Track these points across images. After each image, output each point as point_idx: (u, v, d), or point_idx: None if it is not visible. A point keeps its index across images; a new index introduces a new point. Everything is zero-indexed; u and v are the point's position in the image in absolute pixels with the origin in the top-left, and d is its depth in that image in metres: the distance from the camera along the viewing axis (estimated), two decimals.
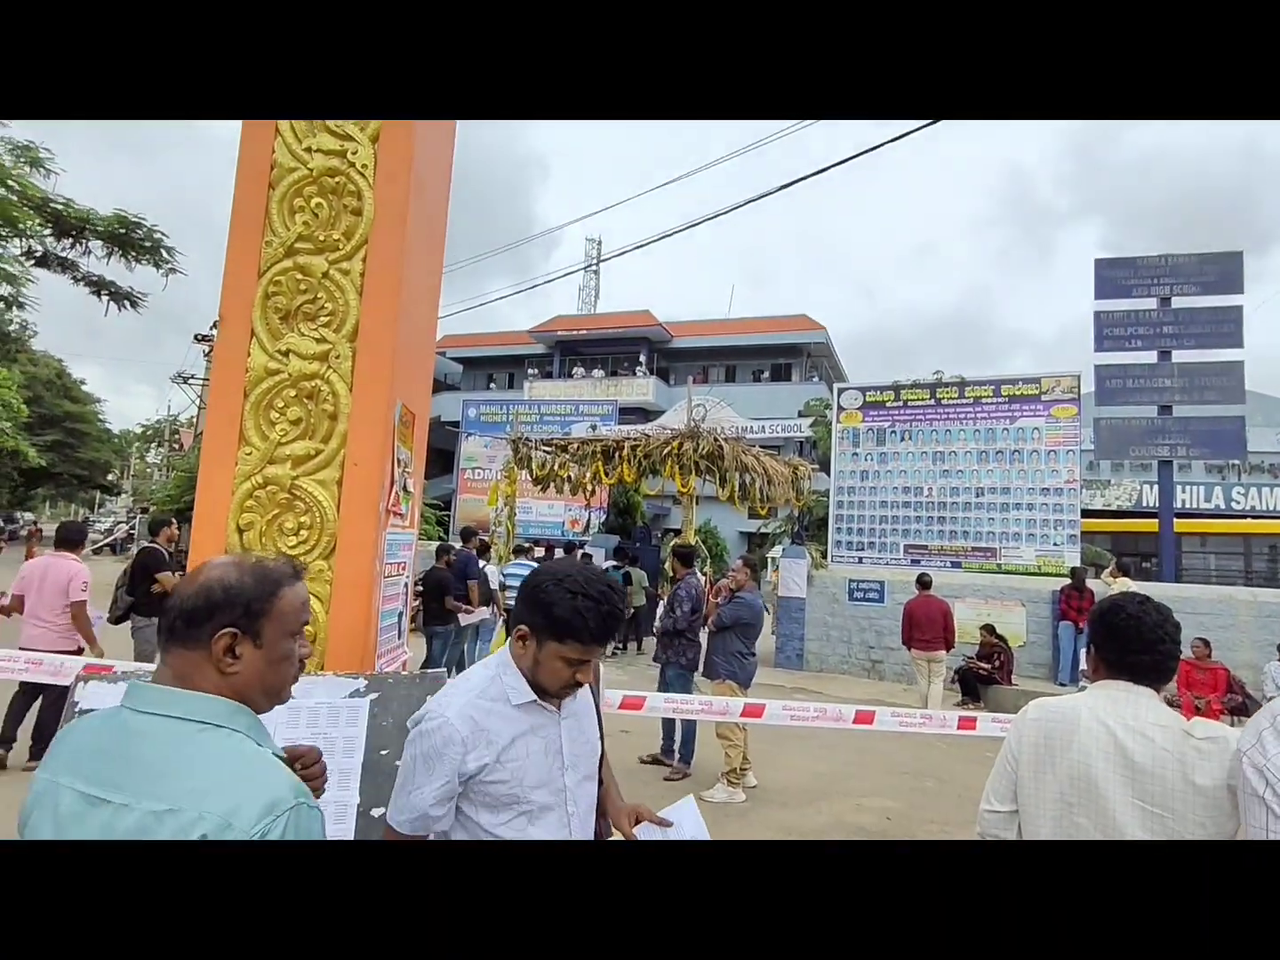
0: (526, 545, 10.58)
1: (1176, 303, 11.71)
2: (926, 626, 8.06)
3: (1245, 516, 18.12)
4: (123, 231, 11.51)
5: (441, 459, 24.95)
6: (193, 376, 25.54)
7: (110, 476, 45.97)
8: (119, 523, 38.60)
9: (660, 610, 6.78)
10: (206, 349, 24.19)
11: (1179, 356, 11.68)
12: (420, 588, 8.62)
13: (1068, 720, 1.53)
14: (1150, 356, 11.83)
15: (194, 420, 27.64)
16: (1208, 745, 1.40)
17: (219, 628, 1.03)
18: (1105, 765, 1.45)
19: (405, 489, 2.75)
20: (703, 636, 5.81)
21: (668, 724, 5.90)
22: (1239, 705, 7.55)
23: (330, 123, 2.57)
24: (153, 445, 48.66)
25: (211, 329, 23.61)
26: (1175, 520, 12.07)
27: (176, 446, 35.90)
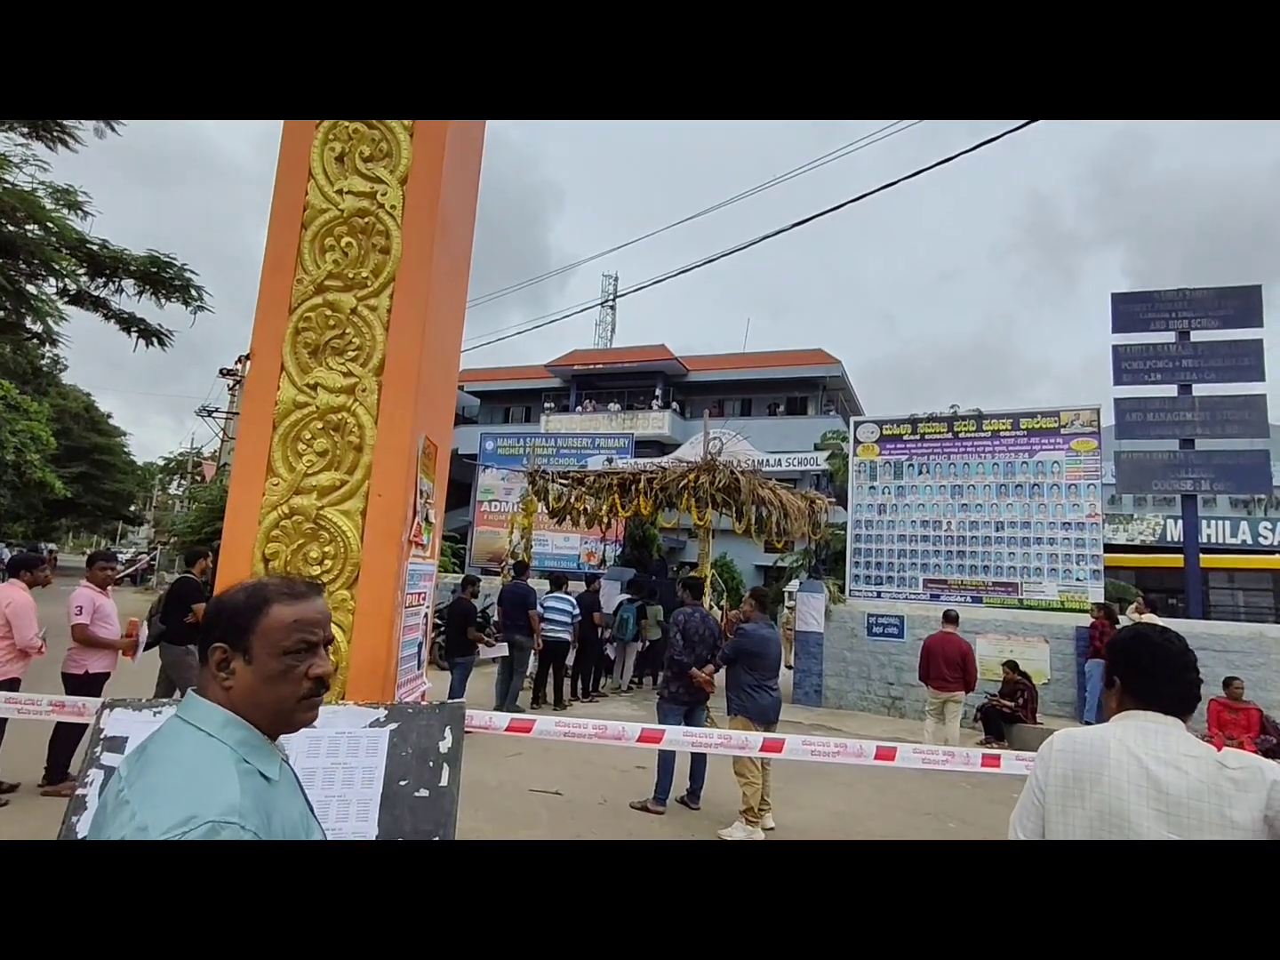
0: (563, 578, 10.59)
1: (1196, 336, 11.66)
2: (945, 665, 7.80)
3: (1274, 552, 17.77)
4: (154, 271, 11.86)
5: (458, 491, 25.11)
6: (216, 410, 26.00)
7: (133, 508, 46.60)
8: (140, 553, 39.02)
9: None
10: (231, 383, 24.66)
11: (1199, 390, 11.59)
12: (440, 620, 8.74)
13: (1096, 752, 1.50)
14: (1171, 390, 11.75)
15: (216, 453, 28.05)
16: (1243, 775, 1.37)
17: (212, 642, 1.10)
18: (1137, 798, 1.42)
19: (427, 520, 2.79)
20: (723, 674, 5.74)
21: (678, 761, 5.79)
22: (1272, 747, 7.33)
23: (361, 165, 2.66)
24: (175, 477, 49.37)
25: (236, 363, 24.09)
26: (1201, 555, 11.87)
27: (199, 478, 36.38)
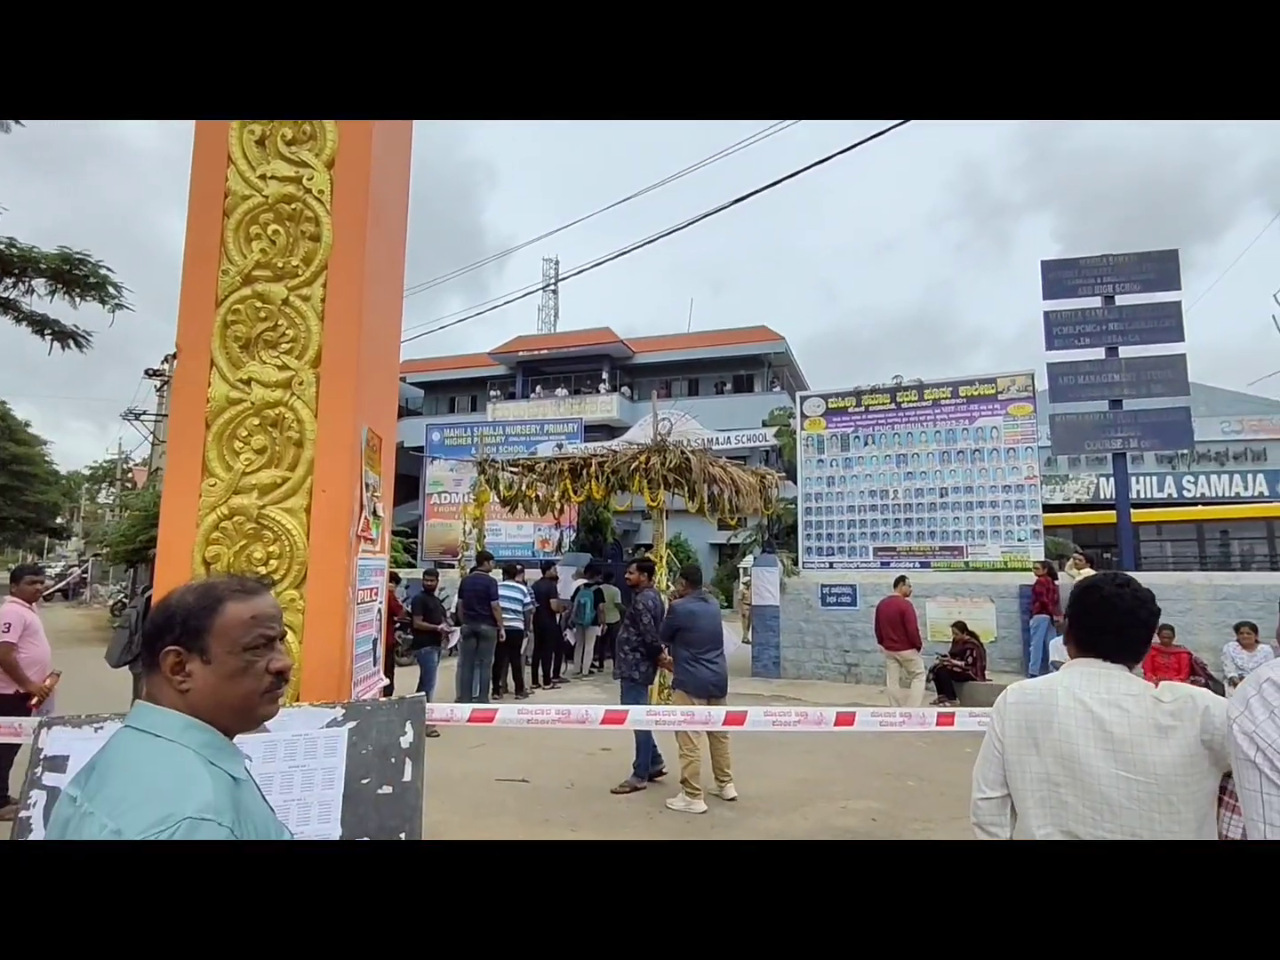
0: (518, 566, 10.51)
1: (1120, 300, 12.11)
2: (888, 626, 8.36)
3: (1196, 504, 18.71)
4: (67, 269, 11.24)
5: (406, 485, 24.66)
6: (144, 412, 24.92)
7: (59, 520, 44.46)
8: (71, 567, 37.35)
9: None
10: (158, 384, 23.64)
11: (1125, 352, 12.07)
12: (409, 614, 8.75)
13: (1046, 700, 1.57)
14: (1099, 353, 12.21)
15: (147, 458, 26.94)
16: (1176, 706, 1.45)
17: (164, 646, 1.07)
18: (1085, 740, 1.49)
19: (375, 513, 2.72)
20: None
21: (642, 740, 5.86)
22: (1202, 685, 7.75)
23: (284, 149, 2.56)
24: (103, 485, 47.27)
25: (163, 363, 23.09)
26: (1132, 510, 12.42)
27: (129, 485, 34.89)
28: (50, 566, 42.09)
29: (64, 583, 31.36)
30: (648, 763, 5.74)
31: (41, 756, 2.15)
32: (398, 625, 8.86)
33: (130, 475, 36.65)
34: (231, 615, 1.10)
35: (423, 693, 2.53)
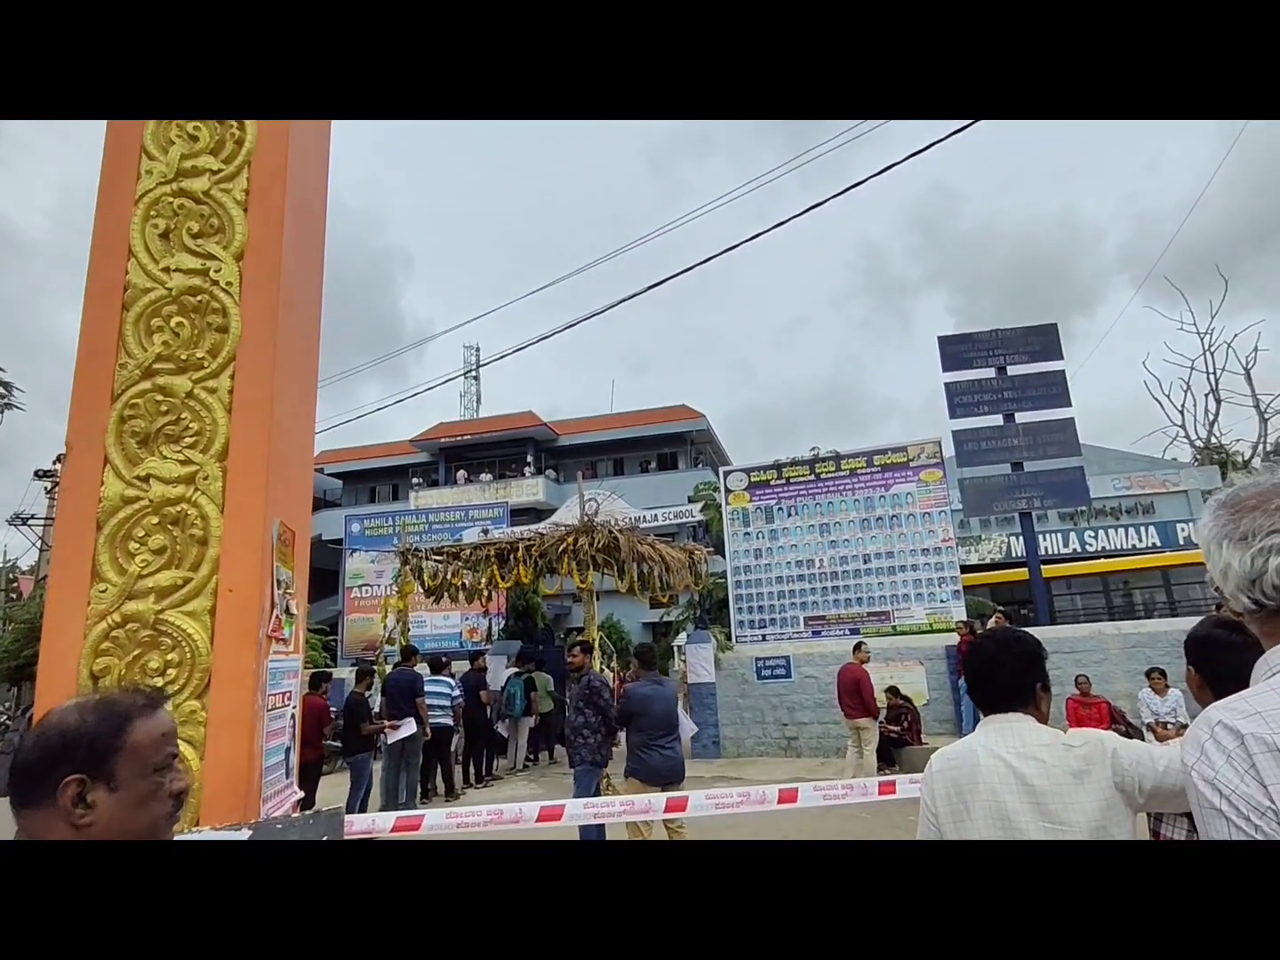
0: (444, 659, 10.07)
1: (1011, 370, 13.03)
2: (844, 694, 8.27)
3: (1099, 557, 19.79)
4: None
5: (325, 579, 23.63)
6: (32, 517, 23.26)
7: None
8: None
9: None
10: (48, 485, 22.21)
11: (1021, 418, 12.91)
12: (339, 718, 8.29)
13: (968, 763, 1.56)
14: (997, 419, 13.01)
15: (34, 566, 25.01)
16: (1086, 750, 1.47)
17: (63, 777, 0.93)
18: (1010, 796, 1.48)
19: (288, 611, 2.57)
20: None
21: (585, 834, 5.59)
22: (1123, 734, 7.97)
23: (190, 241, 2.51)
24: None
25: (54, 463, 21.76)
26: (1042, 567, 13.02)
27: (14, 595, 32.16)
28: None
29: None
30: None
31: None
32: (330, 736, 8.34)
33: (16, 585, 33.84)
34: (141, 734, 1.00)
35: (341, 805, 2.34)
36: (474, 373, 36.53)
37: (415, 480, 30.91)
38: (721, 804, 2.71)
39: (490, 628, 14.77)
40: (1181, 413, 29.24)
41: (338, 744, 8.56)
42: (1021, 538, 13.71)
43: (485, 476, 29.48)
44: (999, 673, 1.63)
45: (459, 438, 31.14)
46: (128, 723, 1.00)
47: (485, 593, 10.63)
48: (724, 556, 13.12)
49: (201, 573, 2.31)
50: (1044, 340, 12.99)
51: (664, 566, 10.09)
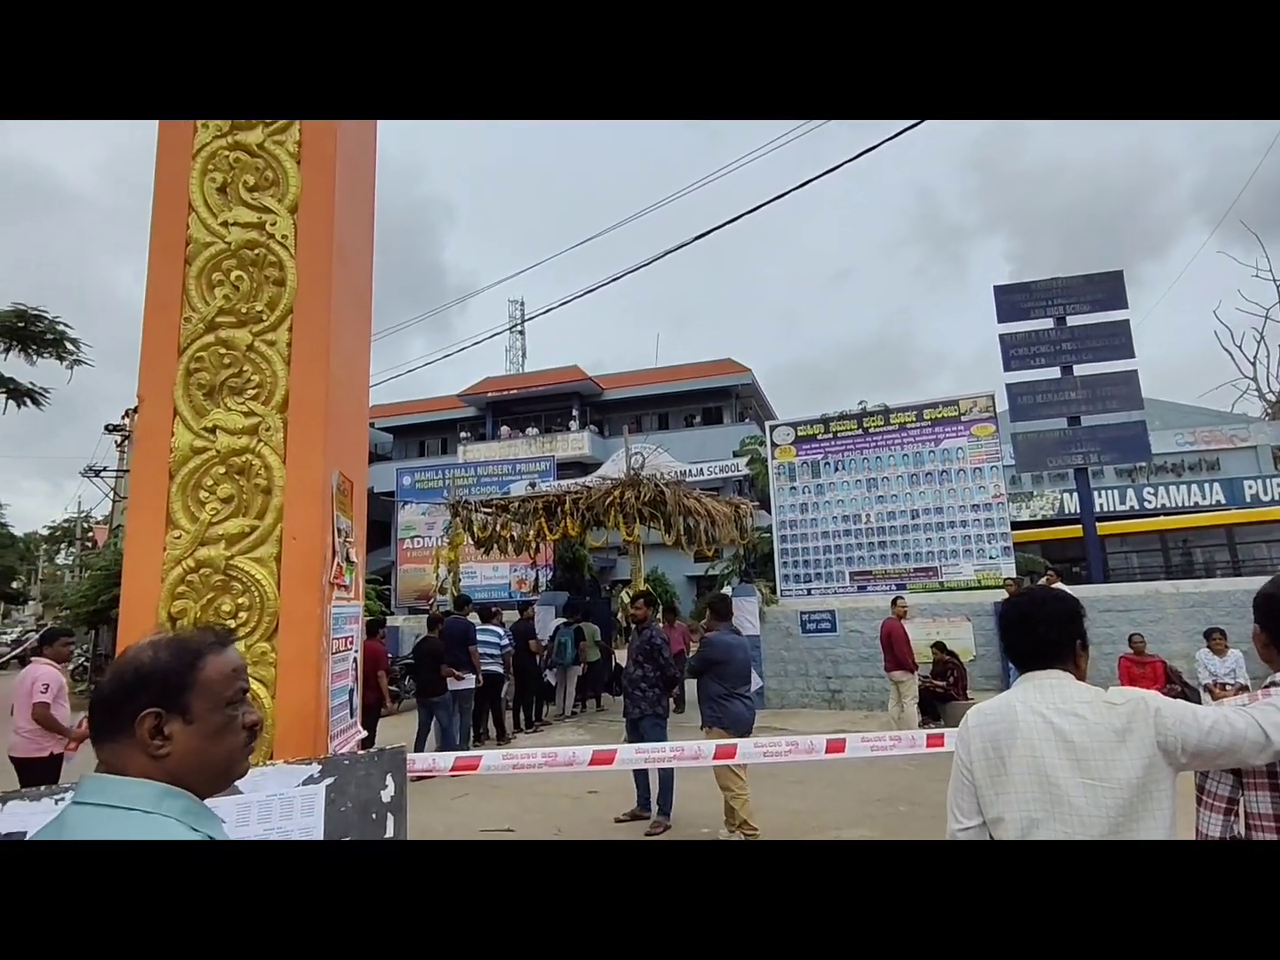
0: (494, 609, 10.35)
1: (1071, 320, 12.51)
2: (882, 649, 8.46)
3: (1158, 514, 19.15)
4: (21, 325, 11.03)
5: (378, 531, 24.32)
6: (104, 469, 24.33)
7: (15, 584, 42.97)
8: (28, 632, 35.99)
9: (624, 662, 6.70)
10: (118, 439, 23.15)
11: (1079, 370, 12.43)
12: (411, 660, 8.66)
13: (1005, 718, 1.55)
14: (1054, 372, 12.55)
15: (108, 515, 26.25)
16: (1128, 709, 1.46)
17: (139, 710, 0.98)
18: (1050, 751, 1.48)
19: (348, 559, 2.66)
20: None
21: (640, 777, 5.75)
22: (1178, 695, 7.84)
23: (246, 195, 2.54)
24: (62, 546, 45.89)
25: (123, 418, 22.64)
26: (1097, 524, 12.66)
27: (89, 545, 33.89)
28: (6, 633, 40.57)
29: (21, 649, 30.17)
30: (671, 799, 5.61)
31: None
32: (389, 679, 8.76)
33: (91, 534, 35.64)
34: (212, 669, 1.05)
35: (404, 744, 2.45)
36: (519, 327, 36.57)
37: (463, 434, 31.32)
38: (770, 752, 2.75)
39: (538, 578, 15.06)
40: (1254, 364, 27.84)
41: (393, 688, 8.93)
42: (1076, 494, 13.32)
43: (531, 431, 29.72)
44: (1038, 629, 1.61)
45: (505, 392, 31.36)
46: (199, 659, 1.05)
47: (533, 545, 10.82)
48: (769, 511, 13.07)
49: (267, 521, 2.39)
50: (1108, 288, 12.40)
51: (709, 520, 10.11)
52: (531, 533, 10.30)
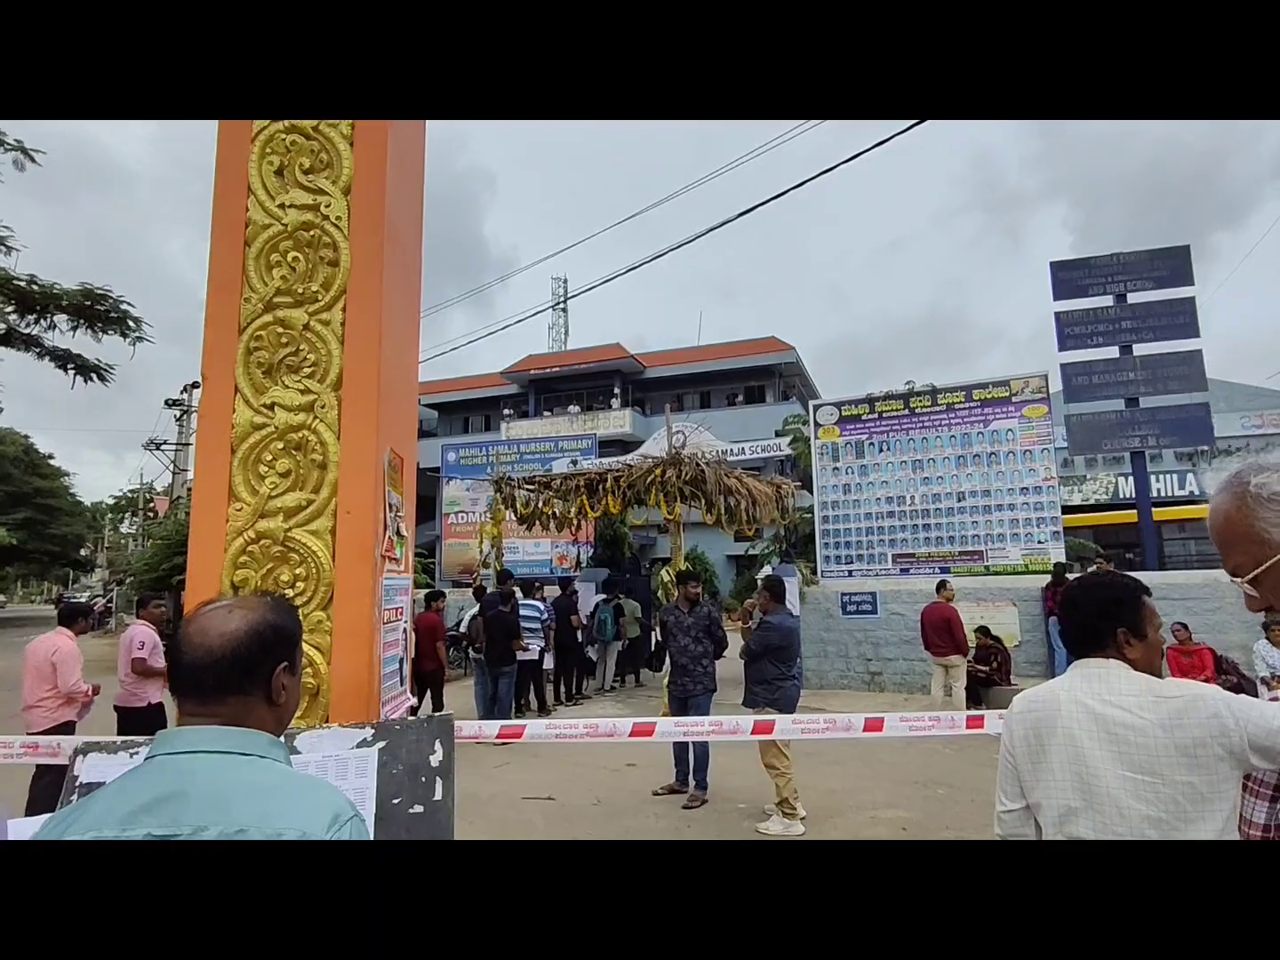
0: (537, 584, 10.55)
1: (1132, 298, 12.05)
2: (933, 633, 8.33)
3: None
4: (88, 304, 11.47)
5: (423, 505, 24.81)
6: (165, 442, 25.24)
7: (83, 551, 45.03)
8: (96, 597, 37.75)
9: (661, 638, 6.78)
10: (177, 413, 23.96)
11: (1140, 350, 11.98)
12: (457, 632, 8.94)
13: (1048, 706, 1.55)
14: (1113, 351, 12.12)
15: (168, 486, 27.26)
16: (1180, 703, 1.41)
17: (276, 664, 1.09)
18: (1091, 742, 1.46)
19: (399, 533, 2.74)
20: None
21: (680, 752, 5.84)
22: (1234, 686, 7.60)
23: (302, 177, 2.61)
24: (126, 515, 47.86)
25: (182, 392, 23.41)
26: (1153, 509, 12.27)
27: (152, 514, 35.30)
28: (75, 597, 42.64)
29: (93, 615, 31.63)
30: (706, 774, 5.71)
31: (78, 784, 2.17)
32: (466, 645, 9.15)
33: (152, 504, 37.10)
34: (302, 629, 1.20)
35: (452, 711, 2.54)
36: (562, 305, 36.62)
37: (506, 412, 31.65)
38: (808, 729, 2.78)
39: (579, 555, 15.23)
40: None
41: (473, 654, 9.28)
42: (1131, 478, 12.90)
43: (573, 408, 29.87)
44: (1080, 615, 1.61)
45: (548, 370, 31.54)
46: (299, 619, 1.20)
47: (575, 522, 10.93)
48: (811, 491, 12.97)
49: (322, 495, 2.48)
50: (1173, 264, 11.89)
51: (750, 500, 10.08)
52: (573, 510, 10.40)
